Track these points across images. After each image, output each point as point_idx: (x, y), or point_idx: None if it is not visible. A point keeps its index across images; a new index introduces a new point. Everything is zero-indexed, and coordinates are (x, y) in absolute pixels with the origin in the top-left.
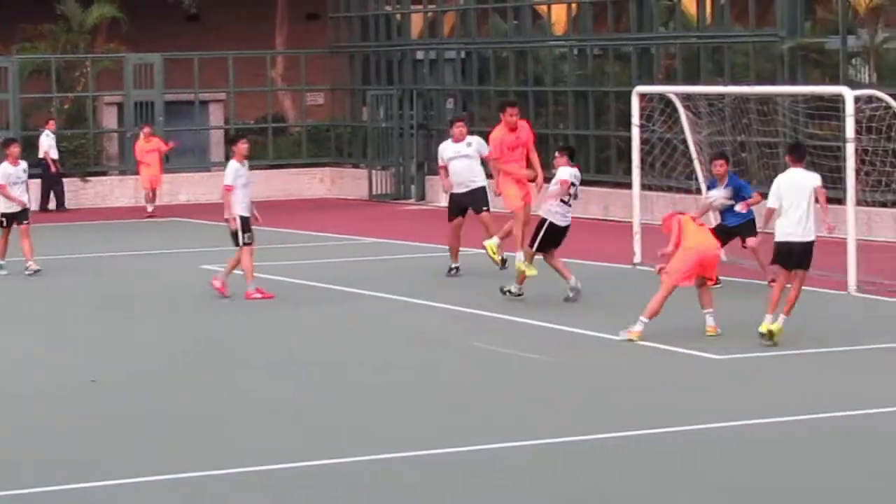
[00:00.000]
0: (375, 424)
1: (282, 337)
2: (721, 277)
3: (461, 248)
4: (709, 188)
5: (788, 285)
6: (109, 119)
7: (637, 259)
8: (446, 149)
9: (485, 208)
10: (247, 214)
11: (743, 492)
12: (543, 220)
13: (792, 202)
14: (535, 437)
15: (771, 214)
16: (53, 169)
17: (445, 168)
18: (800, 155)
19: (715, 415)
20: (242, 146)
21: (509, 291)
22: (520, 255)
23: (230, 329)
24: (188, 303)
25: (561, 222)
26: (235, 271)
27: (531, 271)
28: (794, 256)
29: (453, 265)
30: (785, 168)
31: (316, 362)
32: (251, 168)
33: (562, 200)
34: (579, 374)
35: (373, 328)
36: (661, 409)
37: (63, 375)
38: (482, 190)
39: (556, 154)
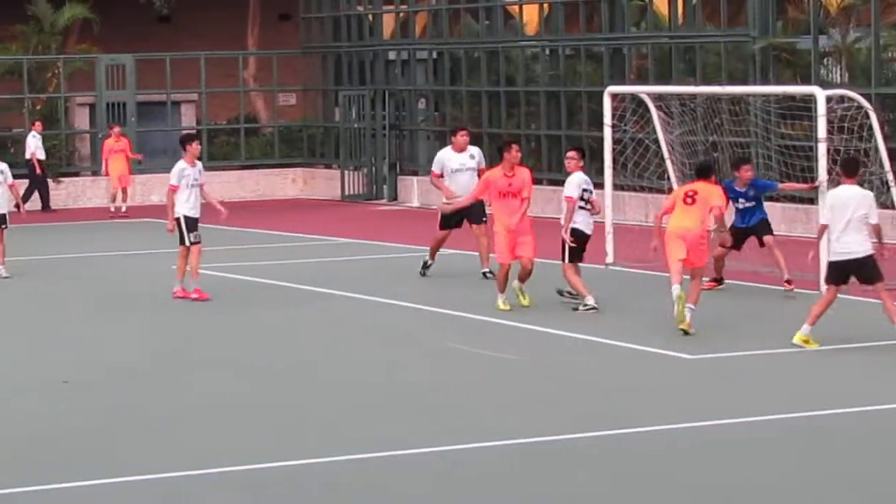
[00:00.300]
0: (352, 424)
1: (257, 338)
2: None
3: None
4: (728, 192)
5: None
6: (81, 120)
7: (610, 259)
8: (450, 159)
9: (484, 220)
10: (191, 215)
11: (711, 491)
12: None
13: (835, 218)
14: (508, 437)
15: (823, 231)
16: (39, 170)
17: (440, 177)
18: (851, 170)
19: (686, 415)
20: (196, 147)
21: (569, 293)
22: (500, 297)
23: (207, 329)
24: (163, 303)
25: (586, 229)
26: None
27: (504, 306)
28: (848, 272)
29: (429, 262)
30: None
31: (292, 362)
32: (224, 168)
33: (580, 208)
34: (552, 374)
35: (346, 328)
36: (633, 410)
37: (41, 375)
38: (480, 202)
39: (574, 155)
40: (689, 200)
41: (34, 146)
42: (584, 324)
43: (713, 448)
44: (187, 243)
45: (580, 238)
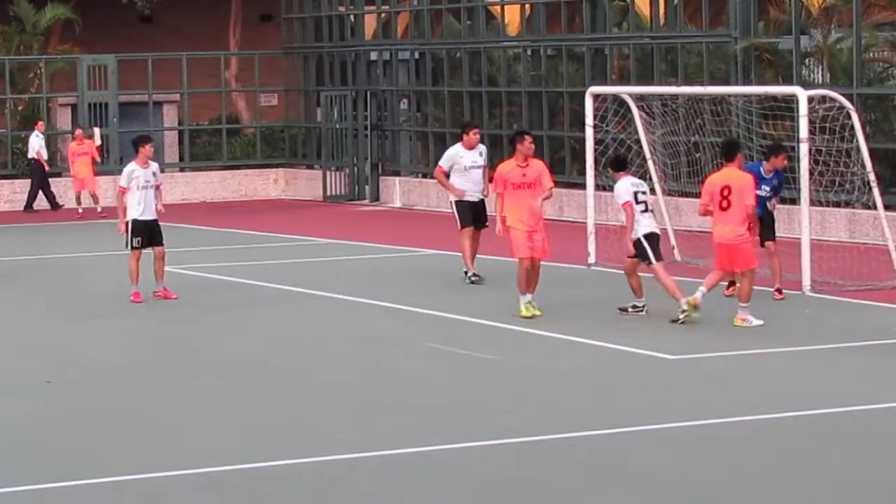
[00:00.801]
0: (336, 425)
1: (239, 338)
2: (683, 279)
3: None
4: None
5: None
6: (63, 120)
7: (591, 260)
8: (462, 157)
9: (486, 224)
10: (141, 218)
11: (695, 491)
12: (638, 240)
13: None
14: (489, 437)
15: None
16: (47, 168)
17: (446, 173)
18: None
19: (669, 415)
20: (148, 149)
21: (633, 306)
22: (523, 299)
23: (190, 330)
24: (145, 304)
25: (656, 229)
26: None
27: (528, 312)
28: None
29: (471, 272)
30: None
31: (275, 363)
32: (206, 169)
33: (642, 211)
34: (533, 374)
35: (329, 329)
36: (615, 410)
37: (22, 376)
38: (485, 203)
39: (609, 169)
40: (724, 203)
41: (38, 146)
42: (566, 324)
43: (695, 448)
44: (127, 246)
45: (652, 237)
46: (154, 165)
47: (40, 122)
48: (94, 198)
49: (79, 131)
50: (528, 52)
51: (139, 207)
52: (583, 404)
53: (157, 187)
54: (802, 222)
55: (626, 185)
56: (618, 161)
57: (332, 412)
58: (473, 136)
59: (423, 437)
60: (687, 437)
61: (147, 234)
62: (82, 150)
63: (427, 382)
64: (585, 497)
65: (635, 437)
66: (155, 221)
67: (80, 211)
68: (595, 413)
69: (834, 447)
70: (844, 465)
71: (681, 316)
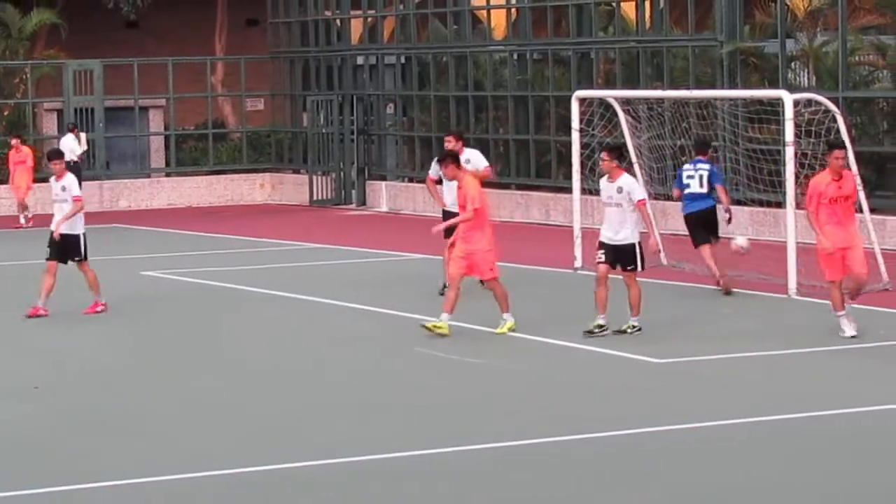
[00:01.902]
0: (333, 427)
1: (231, 341)
2: (665, 282)
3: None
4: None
5: None
6: (49, 125)
7: (578, 264)
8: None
9: None
10: (52, 229)
11: (703, 492)
12: (638, 243)
13: None
14: (478, 441)
15: None
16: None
17: (436, 182)
18: None
19: (654, 418)
20: (54, 165)
21: (598, 326)
22: (444, 317)
23: (181, 333)
24: (132, 308)
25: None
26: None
27: (431, 326)
28: None
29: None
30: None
31: (266, 367)
32: (192, 174)
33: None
34: (521, 378)
35: (319, 331)
36: (603, 412)
37: (16, 377)
38: None
39: (604, 157)
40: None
41: (79, 148)
42: (552, 328)
43: (703, 450)
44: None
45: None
46: (66, 180)
47: (75, 128)
48: (21, 206)
49: (15, 140)
50: (515, 57)
51: (55, 219)
52: (570, 407)
53: (76, 202)
54: (788, 226)
55: (634, 180)
56: (622, 151)
57: (335, 412)
58: (446, 143)
59: (417, 440)
60: (691, 438)
61: (57, 248)
62: (19, 159)
63: (416, 386)
64: (597, 497)
65: (641, 438)
66: (67, 237)
67: (23, 220)
68: (583, 416)
69: (843, 449)
70: (854, 466)
71: (596, 331)
